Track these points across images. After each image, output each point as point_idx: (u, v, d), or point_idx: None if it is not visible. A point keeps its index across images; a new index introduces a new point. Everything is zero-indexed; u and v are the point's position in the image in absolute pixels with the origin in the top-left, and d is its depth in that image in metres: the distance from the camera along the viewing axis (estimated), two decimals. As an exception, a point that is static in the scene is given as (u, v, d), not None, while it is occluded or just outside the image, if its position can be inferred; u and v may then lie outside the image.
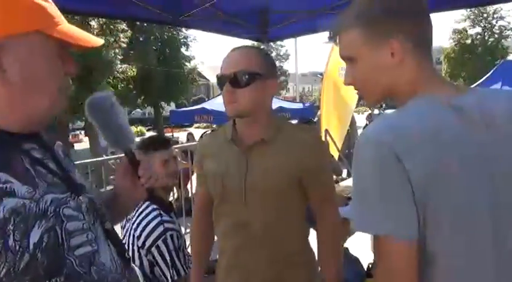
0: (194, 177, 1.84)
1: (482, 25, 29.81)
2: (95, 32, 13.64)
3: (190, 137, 9.06)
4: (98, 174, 4.33)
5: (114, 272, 0.82)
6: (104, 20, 12.56)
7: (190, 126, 21.72)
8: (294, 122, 3.45)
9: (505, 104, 0.87)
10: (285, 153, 1.30)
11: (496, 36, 29.55)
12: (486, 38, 29.51)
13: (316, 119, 6.09)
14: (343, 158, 5.07)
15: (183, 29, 20.23)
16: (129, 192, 1.03)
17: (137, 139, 1.34)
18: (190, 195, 5.78)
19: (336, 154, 4.83)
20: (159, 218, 1.80)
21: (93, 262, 0.78)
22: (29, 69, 0.74)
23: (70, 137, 19.32)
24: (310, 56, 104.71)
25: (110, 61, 13.67)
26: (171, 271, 1.79)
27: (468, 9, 27.05)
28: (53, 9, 0.78)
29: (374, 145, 0.81)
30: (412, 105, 0.87)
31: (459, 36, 29.68)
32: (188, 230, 4.24)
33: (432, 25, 0.93)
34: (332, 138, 4.98)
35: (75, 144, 18.69)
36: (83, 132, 22.26)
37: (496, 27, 29.83)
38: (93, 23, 13.23)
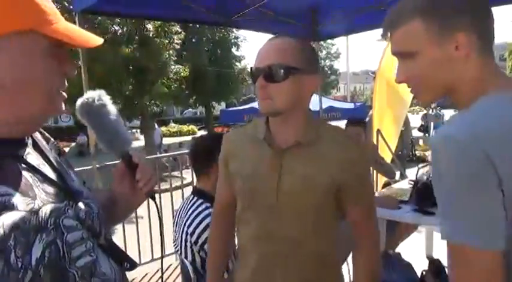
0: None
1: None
2: (151, 34, 14.19)
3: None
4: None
5: (114, 280, 0.79)
6: (159, 23, 13.03)
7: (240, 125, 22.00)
8: (343, 121, 3.37)
9: None
10: (323, 160, 1.16)
11: None
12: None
13: (367, 119, 5.91)
14: (396, 159, 4.89)
15: (234, 30, 20.52)
16: (127, 197, 0.97)
17: (189, 138, 1.31)
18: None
19: (388, 156, 4.66)
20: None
21: (94, 273, 0.75)
22: (20, 70, 0.69)
23: (127, 135, 20.18)
24: (362, 54, 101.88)
25: (164, 62, 14.15)
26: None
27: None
28: (48, 6, 0.72)
29: (463, 146, 0.74)
30: (488, 104, 0.80)
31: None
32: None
33: (494, 19, 0.87)
34: (384, 139, 4.82)
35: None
36: (138, 130, 23.25)
37: None
38: (149, 26, 13.76)
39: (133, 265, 0.87)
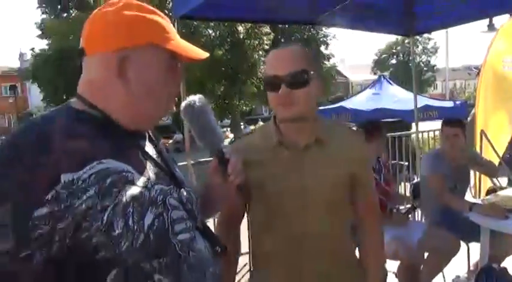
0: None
1: None
2: (242, 36, 14.66)
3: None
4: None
5: (207, 259, 0.89)
6: (249, 24, 13.39)
7: (327, 124, 21.66)
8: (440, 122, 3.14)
9: None
10: (340, 157, 1.25)
11: None
12: None
13: (469, 118, 5.41)
14: (504, 163, 4.40)
15: (323, 28, 20.27)
16: (219, 191, 1.07)
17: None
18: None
19: (494, 159, 4.21)
20: None
21: (192, 248, 0.86)
22: (146, 77, 0.84)
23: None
24: (463, 48, 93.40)
25: (254, 63, 14.51)
26: None
27: None
28: (169, 26, 0.88)
29: None
30: None
31: None
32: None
33: None
34: (489, 141, 4.37)
35: (222, 140, 20.39)
36: (229, 129, 24.20)
37: None
38: (240, 28, 14.22)
39: (223, 249, 0.97)
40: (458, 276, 3.10)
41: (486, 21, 9.81)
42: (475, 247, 2.93)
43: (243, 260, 2.57)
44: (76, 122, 0.79)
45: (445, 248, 2.62)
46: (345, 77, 43.71)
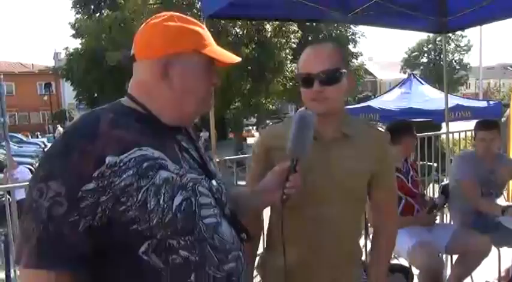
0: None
1: None
2: (269, 35, 14.65)
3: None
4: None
5: (231, 243, 0.99)
6: (277, 23, 13.38)
7: (354, 124, 21.36)
8: (474, 122, 3.04)
9: None
10: (363, 150, 1.34)
11: None
12: None
13: (503, 119, 5.23)
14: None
15: (352, 26, 20.00)
16: (268, 189, 1.18)
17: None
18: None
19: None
20: None
21: (216, 231, 0.96)
22: (187, 79, 0.97)
23: (244, 131, 21.34)
24: (497, 46, 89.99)
25: (281, 61, 14.48)
26: None
27: None
28: (206, 34, 1.00)
29: None
30: None
31: None
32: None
33: None
34: (525, 142, 4.21)
35: (247, 138, 20.54)
36: (254, 127, 24.26)
37: None
38: (268, 27, 14.22)
39: (249, 237, 1.08)
40: (488, 282, 3.01)
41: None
42: (507, 252, 2.84)
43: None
44: (123, 116, 0.93)
45: (475, 250, 2.54)
46: (374, 75, 42.98)
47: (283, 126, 1.44)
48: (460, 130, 5.31)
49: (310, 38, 19.97)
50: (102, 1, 20.94)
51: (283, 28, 14.54)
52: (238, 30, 15.29)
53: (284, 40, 14.83)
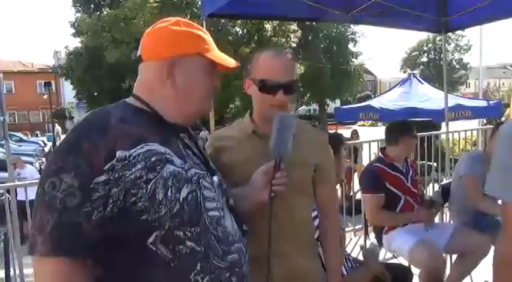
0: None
1: None
2: (268, 34, 14.65)
3: (354, 134, 8.92)
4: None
5: (233, 235, 1.04)
6: (276, 22, 13.35)
7: (354, 123, 21.37)
8: (474, 121, 3.03)
9: None
10: (305, 147, 1.41)
11: None
12: None
13: (503, 119, 5.23)
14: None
15: (352, 25, 19.97)
16: (255, 189, 1.24)
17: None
18: (351, 193, 5.72)
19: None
20: None
21: (220, 223, 1.01)
22: (190, 80, 1.03)
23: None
24: (497, 46, 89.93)
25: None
26: None
27: None
28: (209, 39, 1.07)
29: None
30: None
31: None
32: (347, 229, 4.21)
33: None
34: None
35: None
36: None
37: None
38: (268, 26, 14.21)
39: (247, 231, 1.12)
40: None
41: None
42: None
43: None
44: (130, 113, 0.98)
45: (474, 249, 2.55)
46: (373, 75, 42.97)
47: (227, 130, 1.58)
48: (460, 130, 5.31)
49: (310, 38, 19.96)
50: (102, 0, 20.92)
51: (283, 27, 14.52)
52: (238, 30, 15.28)
53: (284, 39, 14.83)
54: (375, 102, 9.72)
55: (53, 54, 36.90)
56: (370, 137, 5.23)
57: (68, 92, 29.33)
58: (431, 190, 4.96)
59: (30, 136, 24.20)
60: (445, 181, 3.62)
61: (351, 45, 21.95)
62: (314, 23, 17.88)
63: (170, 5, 13.86)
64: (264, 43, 14.32)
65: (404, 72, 33.32)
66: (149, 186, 0.89)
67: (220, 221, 1.02)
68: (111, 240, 0.88)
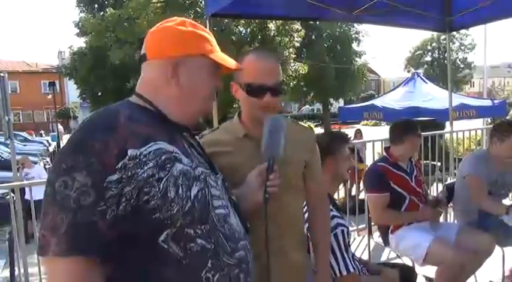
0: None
1: None
2: (272, 34, 14.63)
3: (358, 133, 8.90)
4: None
5: (239, 233, 1.06)
6: (280, 22, 13.34)
7: (357, 123, 21.33)
8: (479, 121, 3.02)
9: None
10: (297, 146, 1.44)
11: None
12: None
13: (508, 118, 5.19)
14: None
15: (355, 25, 19.92)
16: (250, 190, 1.26)
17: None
18: (354, 193, 5.71)
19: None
20: (330, 213, 1.82)
21: (226, 221, 1.03)
22: (193, 80, 1.04)
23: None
24: (502, 45, 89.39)
25: (284, 60, 14.44)
26: (340, 266, 1.81)
27: None
28: (213, 40, 1.08)
29: None
30: None
31: None
32: (351, 229, 4.20)
33: None
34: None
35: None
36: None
37: None
38: (271, 26, 14.20)
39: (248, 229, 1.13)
40: (491, 282, 3.00)
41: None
42: (511, 252, 2.83)
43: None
44: (137, 112, 0.99)
45: (479, 249, 2.53)
46: (377, 74, 42.84)
47: (218, 134, 1.54)
48: (464, 129, 5.28)
49: (313, 37, 19.93)
50: (106, 0, 20.97)
51: (287, 27, 14.50)
52: (241, 29, 15.28)
53: (287, 39, 14.81)
54: (378, 102, 9.68)
55: (57, 54, 37.03)
56: (374, 136, 5.21)
57: (72, 91, 29.47)
58: (435, 190, 4.94)
59: (34, 136, 24.31)
60: (449, 180, 3.61)
61: (354, 45, 21.91)
62: (317, 23, 17.86)
63: (174, 5, 13.88)
64: (268, 42, 14.31)
65: (408, 71, 33.19)
66: (161, 184, 0.90)
67: (227, 219, 1.03)
68: (124, 238, 0.88)
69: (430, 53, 38.97)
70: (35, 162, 10.06)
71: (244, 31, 15.29)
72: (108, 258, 0.87)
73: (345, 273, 1.81)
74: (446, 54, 31.28)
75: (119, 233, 0.86)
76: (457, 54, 37.19)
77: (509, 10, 3.33)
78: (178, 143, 1.00)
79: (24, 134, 21.64)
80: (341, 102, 23.54)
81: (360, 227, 4.21)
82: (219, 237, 0.98)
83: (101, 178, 0.84)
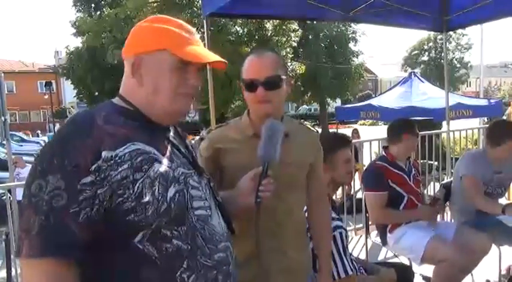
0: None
1: None
2: (269, 33, 14.64)
3: (355, 133, 8.92)
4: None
5: (221, 235, 1.05)
6: (277, 21, 13.34)
7: (355, 122, 21.35)
8: (475, 120, 3.03)
9: None
10: (302, 147, 1.48)
11: None
12: None
13: (504, 117, 5.22)
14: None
15: (352, 24, 19.93)
16: (242, 194, 1.26)
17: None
18: (352, 192, 5.72)
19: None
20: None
21: (207, 222, 1.02)
22: (154, 77, 1.00)
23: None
24: (498, 45, 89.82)
25: (281, 60, 14.35)
26: (339, 268, 1.81)
27: None
28: (183, 35, 1.01)
29: None
30: None
31: None
32: (349, 228, 4.21)
33: None
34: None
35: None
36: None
37: None
38: (268, 25, 14.20)
39: (233, 230, 1.13)
40: (488, 281, 3.01)
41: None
42: (507, 251, 2.84)
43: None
44: (115, 113, 0.97)
45: (475, 248, 2.54)
46: (374, 74, 42.92)
47: (226, 130, 1.55)
48: (461, 128, 5.30)
49: (310, 37, 19.93)
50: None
51: (284, 27, 14.51)
52: (238, 29, 15.28)
53: (284, 39, 14.82)
54: (375, 102, 9.71)
55: (53, 54, 36.95)
56: (371, 136, 5.22)
57: (68, 91, 29.36)
58: (432, 189, 4.96)
59: (31, 136, 24.22)
60: (446, 180, 3.62)
61: (351, 44, 21.91)
62: (315, 22, 17.86)
63: (171, 5, 13.86)
64: (265, 42, 14.31)
65: (405, 71, 33.26)
66: (136, 186, 0.89)
67: (207, 220, 1.02)
68: (99, 240, 0.88)
69: (426, 53, 39.07)
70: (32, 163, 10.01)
71: (241, 31, 15.29)
72: (86, 259, 0.87)
73: (343, 275, 1.81)
74: (443, 54, 31.40)
75: (94, 234, 0.86)
76: (453, 54, 37.30)
77: (506, 10, 3.35)
78: (159, 143, 0.99)
79: (20, 134, 21.55)
80: (338, 102, 23.52)
81: (358, 226, 4.22)
82: (197, 238, 0.98)
83: (74, 181, 0.84)
